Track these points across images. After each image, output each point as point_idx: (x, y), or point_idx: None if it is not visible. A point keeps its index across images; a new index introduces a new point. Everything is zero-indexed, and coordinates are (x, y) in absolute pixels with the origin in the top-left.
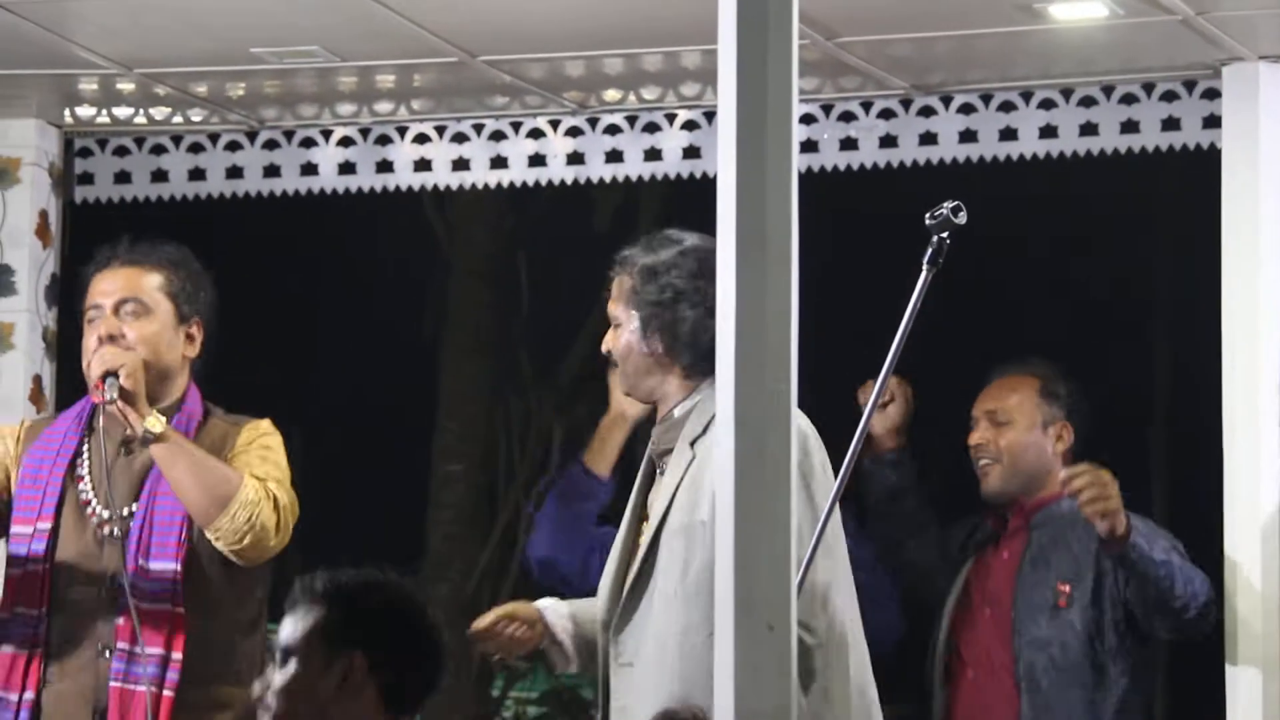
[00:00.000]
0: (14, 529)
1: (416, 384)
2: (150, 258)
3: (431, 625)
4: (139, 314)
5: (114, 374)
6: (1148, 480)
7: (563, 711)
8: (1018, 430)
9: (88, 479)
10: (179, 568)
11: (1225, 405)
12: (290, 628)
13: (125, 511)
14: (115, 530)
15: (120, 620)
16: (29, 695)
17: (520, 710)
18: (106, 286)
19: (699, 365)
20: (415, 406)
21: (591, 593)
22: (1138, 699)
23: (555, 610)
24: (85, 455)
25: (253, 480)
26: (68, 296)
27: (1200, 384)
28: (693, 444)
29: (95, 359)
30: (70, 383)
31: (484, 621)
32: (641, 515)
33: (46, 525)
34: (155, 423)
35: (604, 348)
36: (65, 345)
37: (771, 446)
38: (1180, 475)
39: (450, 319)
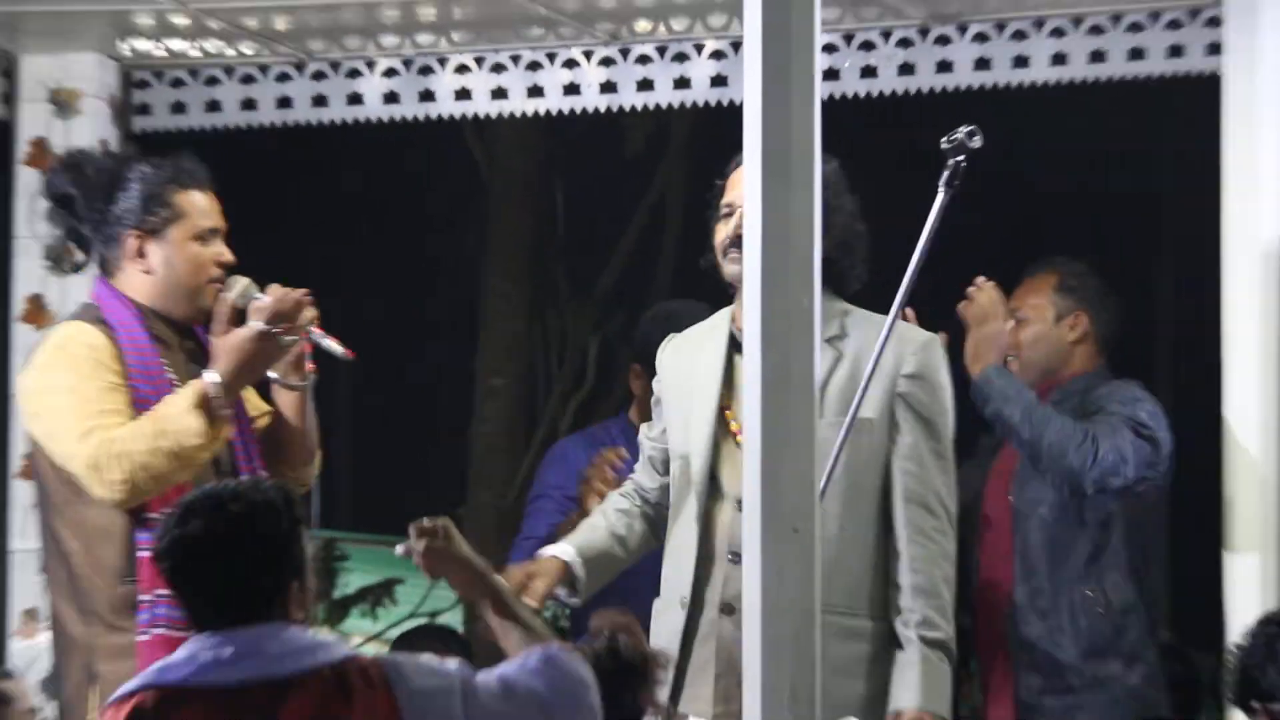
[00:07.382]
0: None
1: (460, 304)
2: None
3: None
4: None
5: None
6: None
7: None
8: (1033, 326)
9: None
10: None
11: (1225, 307)
12: None
13: None
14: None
15: None
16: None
17: (560, 610)
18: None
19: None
20: (459, 325)
21: None
22: (1120, 551)
23: (569, 554)
24: (166, 365)
25: None
26: None
27: (1204, 283)
28: (830, 342)
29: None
30: None
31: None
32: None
33: None
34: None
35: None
36: None
37: (796, 360)
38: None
39: (490, 242)
